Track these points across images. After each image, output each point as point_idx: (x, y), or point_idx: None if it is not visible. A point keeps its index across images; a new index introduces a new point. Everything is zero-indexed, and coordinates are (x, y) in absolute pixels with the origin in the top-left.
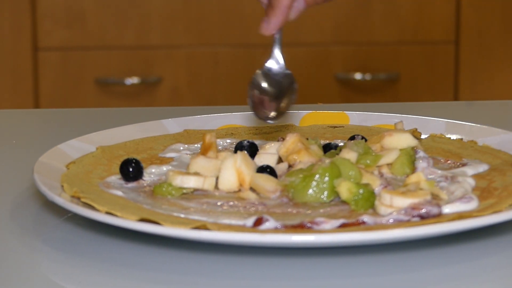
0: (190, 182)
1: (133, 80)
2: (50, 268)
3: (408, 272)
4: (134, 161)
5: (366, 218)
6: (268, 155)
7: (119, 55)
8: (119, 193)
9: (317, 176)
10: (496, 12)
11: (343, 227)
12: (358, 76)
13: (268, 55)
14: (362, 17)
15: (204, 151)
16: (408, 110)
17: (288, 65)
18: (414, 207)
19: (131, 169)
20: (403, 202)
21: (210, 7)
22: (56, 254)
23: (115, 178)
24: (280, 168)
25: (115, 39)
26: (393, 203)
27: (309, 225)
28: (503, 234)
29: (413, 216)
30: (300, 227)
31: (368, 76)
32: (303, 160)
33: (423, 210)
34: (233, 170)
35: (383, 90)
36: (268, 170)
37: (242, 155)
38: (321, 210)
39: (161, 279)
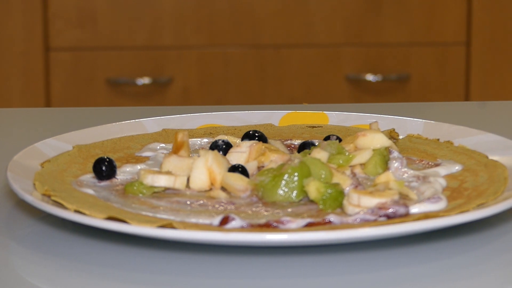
0: (161, 181)
1: (144, 80)
2: (21, 266)
3: (372, 272)
4: (107, 160)
5: (332, 217)
6: (238, 153)
7: (130, 55)
8: (91, 191)
9: (286, 175)
10: (508, 13)
11: (309, 226)
12: (369, 77)
13: (278, 56)
14: (373, 18)
15: (176, 150)
16: (387, 110)
17: (299, 66)
18: (381, 207)
19: (104, 168)
20: (370, 201)
21: (221, 9)
22: (27, 253)
23: (89, 176)
24: (250, 167)
25: (127, 39)
26: (360, 203)
27: (275, 224)
28: (470, 234)
29: (380, 216)
30: (266, 226)
31: (379, 77)
32: (268, 160)
33: (390, 210)
34: (204, 169)
35: (394, 91)
36: (240, 169)
37: (214, 154)
38: (289, 210)
39: (130, 278)
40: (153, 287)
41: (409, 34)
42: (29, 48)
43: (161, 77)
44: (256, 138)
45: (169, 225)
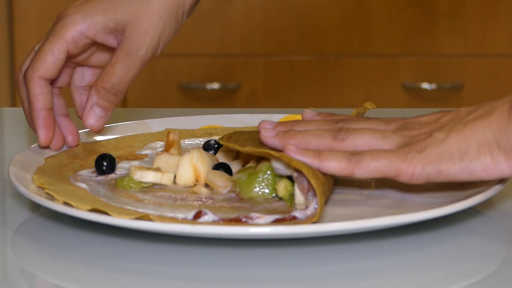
0: (149, 177)
1: (213, 85)
2: (16, 254)
3: (335, 264)
4: (108, 156)
5: (297, 213)
6: (226, 152)
7: (201, 62)
8: (84, 185)
9: (260, 174)
10: None
11: (276, 222)
12: (424, 85)
13: (339, 64)
14: (430, 30)
15: (167, 148)
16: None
17: (359, 74)
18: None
19: (105, 163)
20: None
21: (287, 19)
22: (22, 241)
23: (87, 171)
24: (235, 165)
25: (198, 47)
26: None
27: (244, 219)
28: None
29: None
30: (236, 221)
31: (434, 86)
32: (254, 158)
33: None
34: (189, 166)
35: (447, 99)
36: (223, 167)
37: (199, 153)
38: (263, 206)
39: (114, 266)
40: (133, 274)
41: (464, 45)
42: None
43: (229, 82)
44: None
45: (146, 217)
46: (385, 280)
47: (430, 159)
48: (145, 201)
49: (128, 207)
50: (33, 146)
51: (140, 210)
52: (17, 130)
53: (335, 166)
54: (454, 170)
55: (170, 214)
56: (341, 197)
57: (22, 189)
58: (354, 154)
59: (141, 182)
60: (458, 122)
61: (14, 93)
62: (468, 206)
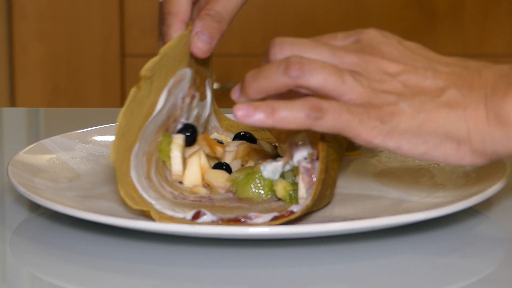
0: (176, 162)
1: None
2: (15, 255)
3: (331, 264)
4: (192, 127)
5: (294, 207)
6: (226, 152)
7: None
8: (159, 105)
9: (257, 174)
10: None
11: (275, 219)
12: None
13: None
14: (429, 30)
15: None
16: None
17: None
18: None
19: (188, 134)
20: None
21: (285, 20)
22: (22, 242)
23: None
24: (234, 165)
25: None
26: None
27: (243, 219)
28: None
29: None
30: (235, 221)
31: None
32: (251, 159)
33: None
34: (197, 167)
35: None
36: (224, 167)
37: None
38: (261, 206)
39: (114, 266)
40: (133, 274)
41: (463, 45)
42: (107, 54)
43: (229, 82)
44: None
45: (147, 212)
46: (385, 280)
47: (393, 133)
48: (152, 182)
49: (138, 185)
50: (32, 146)
51: (144, 194)
52: (17, 130)
53: (291, 123)
54: (416, 151)
55: (169, 212)
56: (341, 197)
57: (21, 189)
58: (315, 110)
59: (168, 156)
60: (431, 99)
61: (14, 93)
62: (468, 206)
